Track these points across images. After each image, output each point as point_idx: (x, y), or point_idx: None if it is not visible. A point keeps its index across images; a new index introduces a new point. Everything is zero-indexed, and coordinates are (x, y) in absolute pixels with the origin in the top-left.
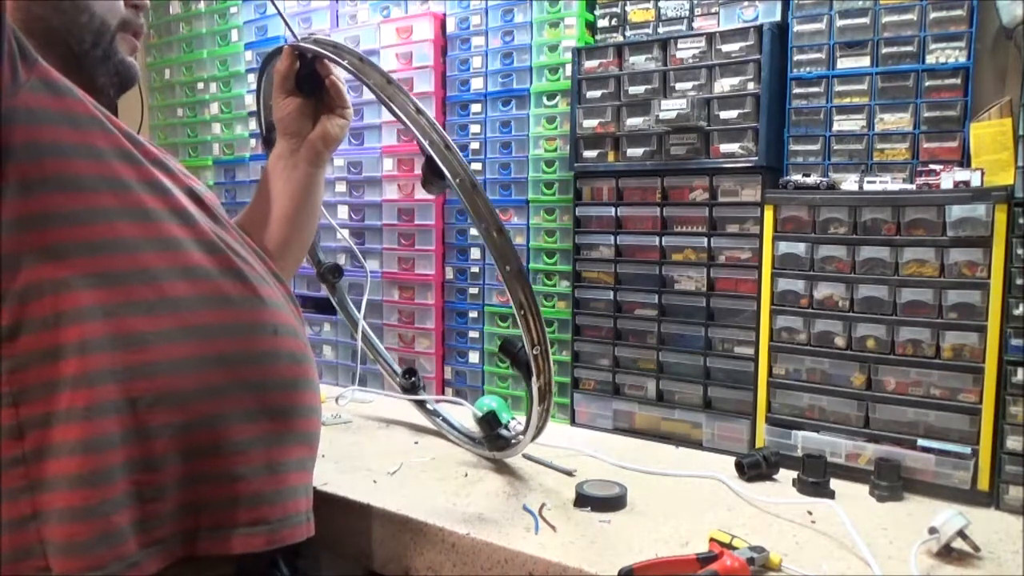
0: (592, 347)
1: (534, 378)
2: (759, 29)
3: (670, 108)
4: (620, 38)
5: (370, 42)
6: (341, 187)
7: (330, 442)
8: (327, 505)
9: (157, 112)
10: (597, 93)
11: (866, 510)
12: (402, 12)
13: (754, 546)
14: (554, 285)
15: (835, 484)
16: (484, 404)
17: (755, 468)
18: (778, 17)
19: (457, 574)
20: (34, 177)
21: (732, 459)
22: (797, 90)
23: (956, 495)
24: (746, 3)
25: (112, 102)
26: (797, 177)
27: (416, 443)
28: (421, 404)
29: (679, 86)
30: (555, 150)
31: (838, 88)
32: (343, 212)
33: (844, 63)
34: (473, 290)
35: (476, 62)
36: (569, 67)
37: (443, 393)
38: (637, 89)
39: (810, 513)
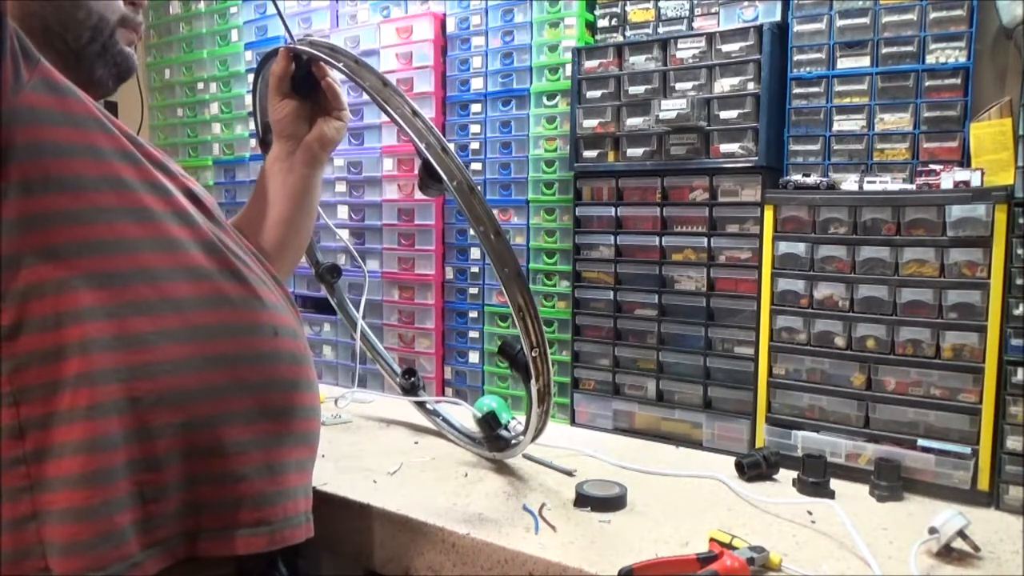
0: (592, 347)
1: (533, 380)
2: (759, 29)
3: (670, 108)
4: (620, 38)
5: (370, 42)
6: (341, 187)
7: (330, 442)
8: (327, 505)
9: (157, 112)
10: (597, 93)
11: (866, 510)
12: (402, 12)
13: (754, 546)
14: (554, 285)
15: (835, 484)
16: (484, 404)
17: (755, 468)
18: (778, 17)
19: (457, 574)
20: (35, 177)
21: (732, 459)
22: (797, 90)
23: (956, 495)
24: (746, 3)
25: (110, 93)
26: (797, 177)
27: (416, 443)
28: (421, 404)
29: (679, 86)
30: (555, 150)
31: (838, 88)
32: (343, 212)
33: (844, 63)
34: (473, 290)
35: (476, 62)
36: (569, 67)
37: (443, 393)
38: (637, 89)
39: (810, 513)
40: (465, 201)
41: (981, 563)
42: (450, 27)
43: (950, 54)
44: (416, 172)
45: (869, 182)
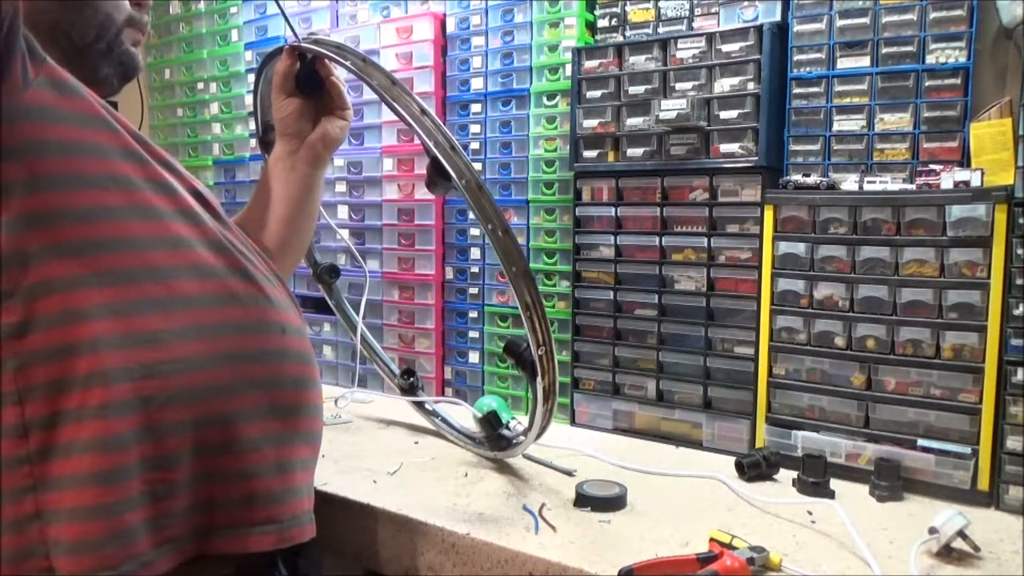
0: (592, 347)
1: (539, 378)
2: (759, 29)
3: (670, 108)
4: (620, 38)
5: (370, 42)
6: (341, 187)
7: (330, 442)
8: (327, 505)
9: (157, 112)
10: (597, 93)
11: (866, 510)
12: (402, 12)
13: (754, 546)
14: (554, 285)
15: (835, 484)
16: (484, 404)
17: (755, 468)
18: (778, 17)
19: (457, 574)
20: (42, 175)
21: (732, 459)
22: (797, 90)
23: (956, 495)
24: (746, 3)
25: (115, 92)
26: (797, 177)
27: (416, 443)
28: (420, 405)
29: (679, 86)
30: (555, 150)
31: (838, 88)
32: (343, 212)
33: (844, 63)
34: (473, 290)
35: (476, 62)
36: (569, 67)
37: (443, 393)
38: (637, 89)
39: (810, 513)
40: (474, 199)
41: (981, 563)
42: (450, 27)
43: (950, 54)
44: (425, 170)
45: (869, 182)
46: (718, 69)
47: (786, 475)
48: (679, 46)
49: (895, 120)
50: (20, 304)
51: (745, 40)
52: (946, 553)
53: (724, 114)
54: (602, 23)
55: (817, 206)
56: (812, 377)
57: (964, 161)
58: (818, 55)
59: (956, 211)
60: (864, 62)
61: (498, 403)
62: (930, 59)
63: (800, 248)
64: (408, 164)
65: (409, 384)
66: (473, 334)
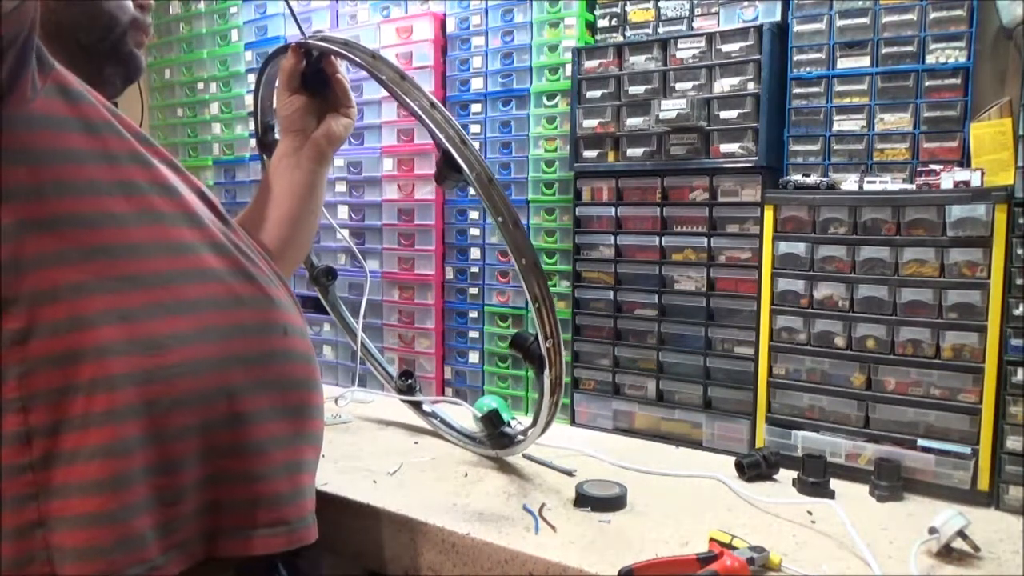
0: (592, 347)
1: (547, 371)
2: (759, 29)
3: (670, 108)
4: (620, 38)
5: (370, 42)
6: (341, 187)
7: (330, 442)
8: (327, 505)
9: (157, 112)
10: (597, 93)
11: (866, 510)
12: (402, 12)
13: (754, 546)
14: (554, 285)
15: (835, 484)
16: (484, 404)
17: (755, 468)
18: (778, 17)
19: (457, 574)
20: (48, 182)
21: (732, 459)
22: (797, 90)
23: (956, 495)
24: (746, 3)
25: (118, 93)
26: (797, 177)
27: (416, 443)
28: (418, 407)
29: (679, 86)
30: (555, 150)
31: (838, 88)
32: (343, 212)
33: (844, 63)
34: (473, 290)
35: (476, 62)
36: (569, 67)
37: (443, 393)
38: (637, 89)
39: (810, 513)
40: (484, 191)
41: (981, 563)
42: (450, 27)
43: (950, 54)
44: (427, 169)
45: (869, 182)
46: (718, 69)
47: (786, 475)
48: (679, 46)
49: (895, 120)
50: (24, 310)
51: (745, 40)
52: (946, 553)
53: (724, 114)
54: (602, 23)
55: (817, 206)
56: (812, 377)
57: (964, 161)
58: (818, 55)
59: (956, 211)
60: (864, 62)
61: (498, 403)
62: (930, 59)
63: (800, 248)
64: (408, 164)
65: (407, 386)
66: (473, 334)
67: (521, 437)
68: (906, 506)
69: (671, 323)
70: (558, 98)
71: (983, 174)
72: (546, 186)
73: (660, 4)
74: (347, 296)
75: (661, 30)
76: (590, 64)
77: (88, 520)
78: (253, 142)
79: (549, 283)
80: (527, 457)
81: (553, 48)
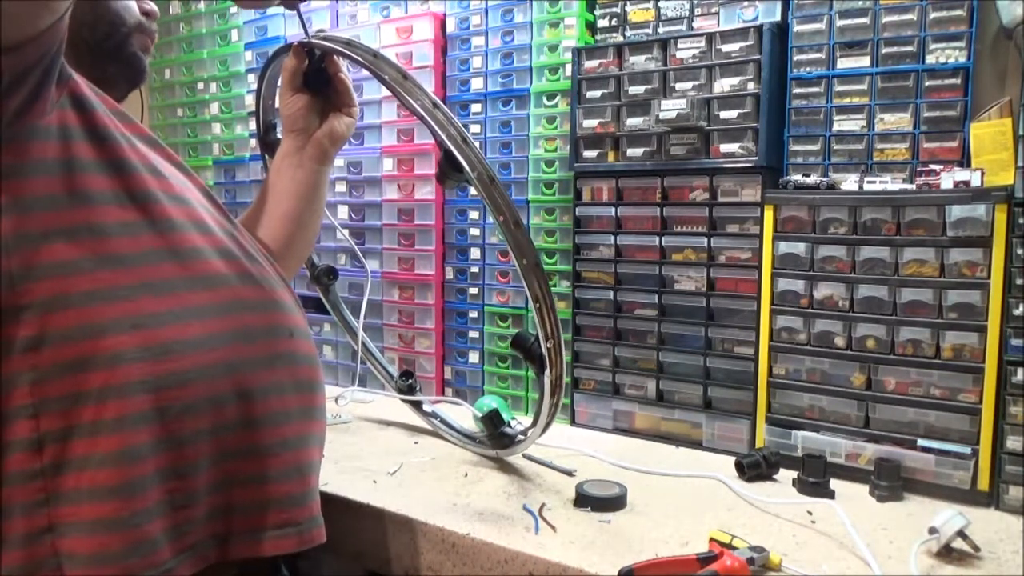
0: (592, 347)
1: (547, 371)
2: (759, 29)
3: (670, 108)
4: (620, 38)
5: (370, 42)
6: (341, 187)
7: (330, 442)
8: (327, 505)
9: (157, 112)
10: (597, 93)
11: (866, 510)
12: (402, 12)
13: (754, 546)
14: (554, 285)
15: (835, 484)
16: (485, 404)
17: (755, 468)
18: (778, 17)
19: (457, 574)
20: (61, 192)
21: (732, 459)
22: (797, 90)
23: (956, 495)
24: (746, 3)
25: (123, 96)
26: (797, 177)
27: (416, 443)
28: (418, 407)
29: (679, 86)
30: (555, 150)
31: (838, 88)
32: (343, 212)
33: (844, 63)
34: (473, 290)
35: (476, 62)
36: (569, 67)
37: (443, 393)
38: (637, 89)
39: (810, 513)
40: (486, 191)
41: (981, 563)
42: (450, 27)
43: (950, 54)
44: (427, 168)
45: (869, 182)
46: (718, 69)
47: (786, 475)
48: (679, 46)
49: (895, 120)
50: (36, 318)
51: (745, 40)
52: (946, 553)
53: (724, 114)
54: (602, 23)
55: (817, 206)
56: (812, 377)
57: (964, 161)
58: (818, 55)
59: (956, 211)
60: (864, 62)
61: (498, 403)
62: (930, 59)
63: (800, 248)
64: (408, 164)
65: (408, 386)
66: (473, 334)
67: (521, 437)
68: (906, 506)
69: (671, 323)
70: (558, 98)
71: (983, 174)
72: (546, 186)
73: (660, 4)
74: (347, 296)
75: (661, 30)
76: (590, 64)
77: (99, 526)
78: (253, 142)
79: (549, 283)
80: (527, 457)
81: (553, 48)
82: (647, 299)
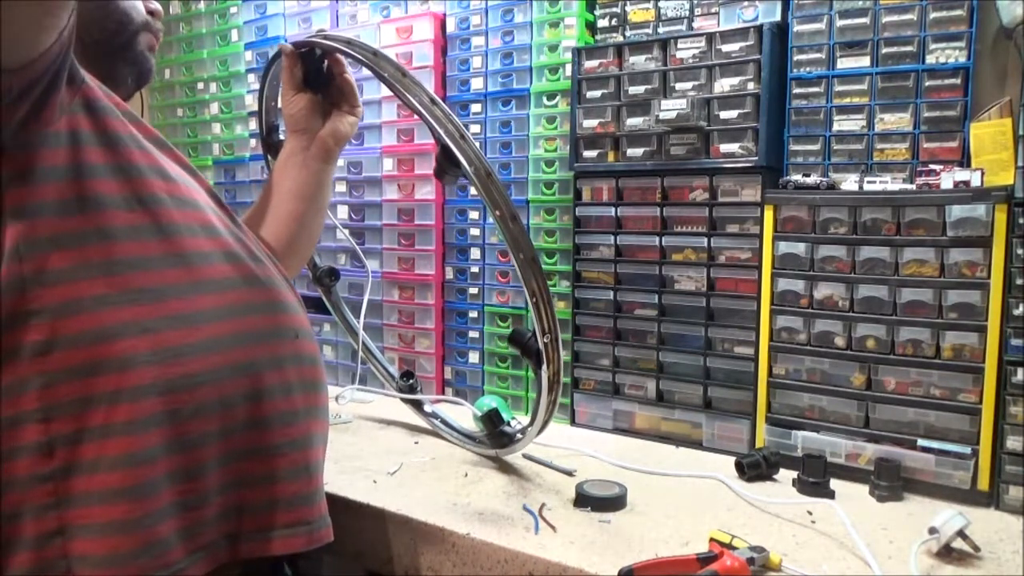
0: (592, 347)
1: (544, 367)
2: (759, 29)
3: (670, 108)
4: (620, 38)
5: (370, 42)
6: (341, 187)
7: (330, 442)
8: (328, 505)
9: (157, 112)
10: (597, 93)
11: (866, 510)
12: (402, 12)
13: (754, 546)
14: (554, 285)
15: (835, 484)
16: (484, 404)
17: (755, 468)
18: (778, 17)
19: (457, 574)
20: (71, 197)
21: (732, 459)
22: (797, 90)
23: (956, 495)
24: (746, 3)
25: (131, 94)
26: (797, 177)
27: (416, 443)
28: (419, 407)
29: (679, 86)
30: (555, 150)
31: (838, 88)
32: (343, 212)
33: (844, 63)
34: (473, 290)
35: (476, 62)
36: (569, 67)
37: (443, 393)
38: (637, 89)
39: (810, 513)
40: (483, 186)
41: (981, 563)
42: (450, 27)
43: (950, 54)
44: (428, 167)
45: (869, 182)
46: (718, 69)
47: (786, 475)
48: (679, 46)
49: (895, 120)
50: (47, 323)
51: (745, 40)
52: (946, 553)
53: (724, 114)
54: (602, 23)
55: (817, 206)
56: (812, 377)
57: (964, 161)
58: (818, 55)
59: (956, 211)
60: (864, 62)
61: (498, 403)
62: (930, 59)
63: (800, 248)
64: (408, 164)
65: (408, 387)
66: (473, 334)
67: (520, 436)
68: (906, 506)
69: (671, 323)
70: (558, 98)
71: (983, 174)
72: (546, 186)
73: (660, 4)
74: (348, 296)
75: (661, 30)
76: (590, 64)
77: (110, 528)
78: (253, 142)
79: (549, 282)
80: (527, 457)
81: (553, 48)
82: (647, 299)
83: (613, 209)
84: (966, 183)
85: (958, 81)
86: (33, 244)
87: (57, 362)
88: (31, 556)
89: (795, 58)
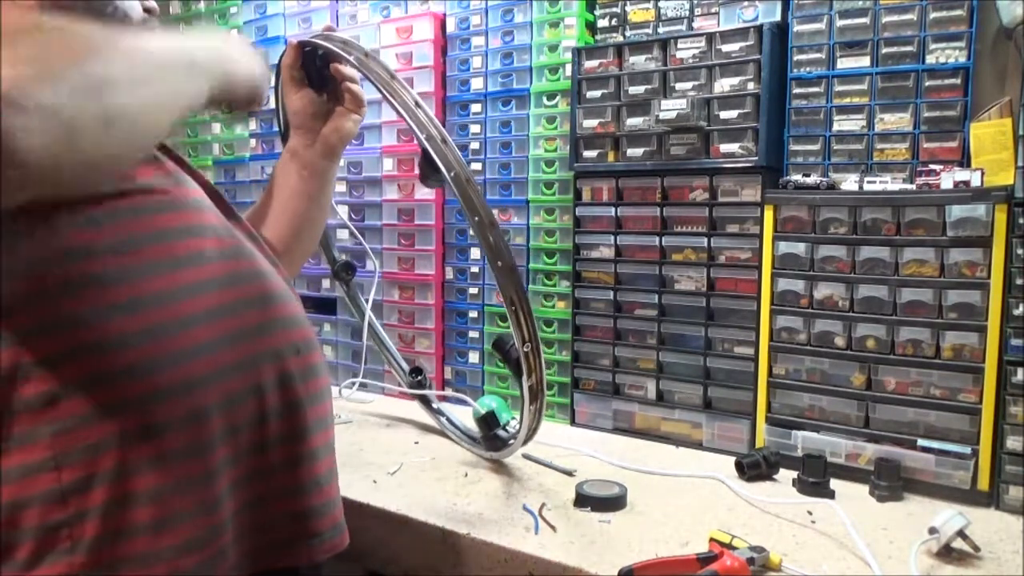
0: (592, 347)
1: (525, 376)
2: (759, 29)
3: (670, 108)
4: (620, 38)
5: (370, 42)
6: (341, 187)
7: None
8: None
9: None
10: (597, 93)
11: (866, 510)
12: (402, 12)
13: (754, 546)
14: (554, 285)
15: (835, 484)
16: (484, 404)
17: (755, 468)
18: (778, 17)
19: (457, 574)
20: (76, 245)
21: (732, 459)
22: (797, 90)
23: (956, 495)
24: (746, 3)
25: None
26: (797, 177)
27: (416, 443)
28: (427, 403)
29: (679, 86)
30: (555, 150)
31: (838, 88)
32: (343, 212)
33: (844, 63)
34: (473, 290)
35: (476, 62)
36: (569, 67)
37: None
38: (637, 89)
39: (810, 513)
40: (461, 191)
41: (981, 563)
42: (450, 27)
43: (950, 54)
44: (417, 164)
45: (869, 182)
46: (718, 69)
47: (786, 475)
48: (679, 46)
49: (895, 120)
50: (52, 371)
51: (745, 40)
52: (946, 553)
53: (724, 114)
54: (602, 23)
55: (817, 206)
56: (812, 377)
57: (964, 161)
58: (818, 55)
59: (956, 211)
60: (864, 62)
61: (498, 403)
62: (930, 59)
63: (800, 248)
64: (408, 164)
65: (417, 382)
66: (473, 334)
67: (512, 441)
68: (906, 506)
69: (671, 323)
70: (558, 98)
71: (983, 174)
72: (546, 186)
73: (660, 4)
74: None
75: (661, 30)
76: (590, 64)
77: (133, 562)
78: (254, 142)
79: (549, 283)
80: (527, 457)
81: (553, 48)
82: (647, 299)
83: (613, 209)
84: (966, 183)
85: (958, 81)
86: (31, 297)
87: (66, 410)
88: None
89: (795, 58)
